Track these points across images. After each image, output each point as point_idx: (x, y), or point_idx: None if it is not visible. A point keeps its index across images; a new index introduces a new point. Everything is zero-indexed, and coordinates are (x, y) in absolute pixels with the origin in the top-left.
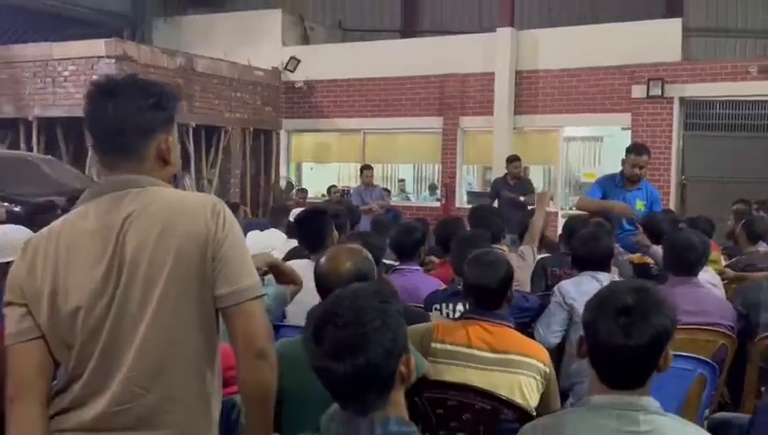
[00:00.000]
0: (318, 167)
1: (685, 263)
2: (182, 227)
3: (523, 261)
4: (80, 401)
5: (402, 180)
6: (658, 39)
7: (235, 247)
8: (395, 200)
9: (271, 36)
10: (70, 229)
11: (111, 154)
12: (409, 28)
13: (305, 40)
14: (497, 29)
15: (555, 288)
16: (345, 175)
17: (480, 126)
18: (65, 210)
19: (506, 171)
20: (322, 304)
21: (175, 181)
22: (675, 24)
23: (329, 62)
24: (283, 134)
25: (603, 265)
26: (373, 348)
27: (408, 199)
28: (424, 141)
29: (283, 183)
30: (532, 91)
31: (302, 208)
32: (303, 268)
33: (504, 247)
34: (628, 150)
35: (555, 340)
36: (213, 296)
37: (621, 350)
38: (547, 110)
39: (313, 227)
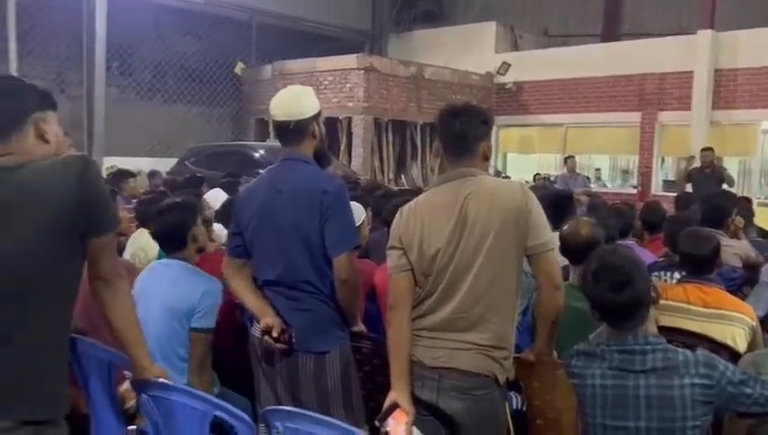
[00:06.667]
0: (520, 157)
1: None
2: (503, 202)
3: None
4: (431, 310)
5: (598, 169)
6: None
7: (538, 215)
8: (593, 187)
9: (485, 45)
10: (428, 202)
11: (455, 154)
12: (609, 32)
13: (515, 47)
14: (697, 31)
15: (763, 268)
16: (544, 164)
17: (677, 120)
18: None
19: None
20: (595, 259)
21: (404, 169)
22: None
23: (535, 65)
24: (493, 129)
25: None
26: (638, 283)
27: (605, 186)
28: (622, 134)
29: (491, 171)
30: (730, 88)
31: None
32: None
33: None
34: None
35: (761, 313)
36: (524, 247)
37: None
38: (745, 105)
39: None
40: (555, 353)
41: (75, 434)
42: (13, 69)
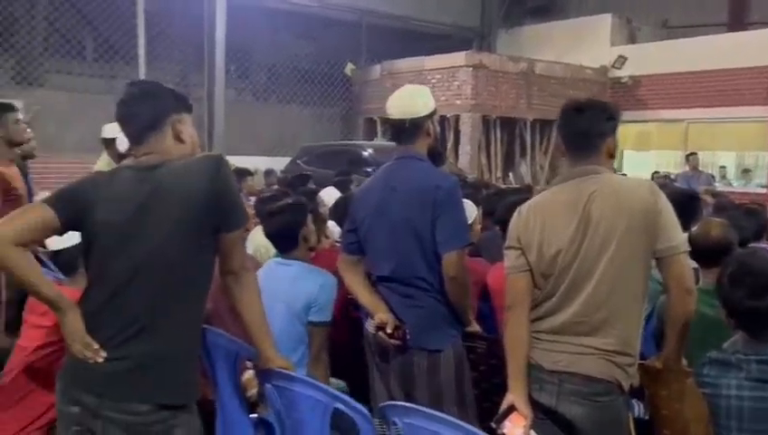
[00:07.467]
0: (636, 154)
1: None
2: (630, 201)
3: None
4: (551, 312)
5: (723, 167)
6: None
7: (668, 215)
8: (717, 186)
9: (600, 38)
10: (549, 201)
11: (577, 151)
12: (736, 21)
13: (632, 39)
14: None
15: None
16: (662, 161)
17: None
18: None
19: None
20: (732, 262)
21: (511, 167)
22: None
23: (654, 58)
24: None
25: None
26: None
27: (731, 185)
28: (749, 130)
29: None
30: None
31: None
32: None
33: None
34: None
35: None
36: (652, 249)
37: None
38: None
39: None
40: (684, 361)
41: (204, 420)
42: (141, 73)
